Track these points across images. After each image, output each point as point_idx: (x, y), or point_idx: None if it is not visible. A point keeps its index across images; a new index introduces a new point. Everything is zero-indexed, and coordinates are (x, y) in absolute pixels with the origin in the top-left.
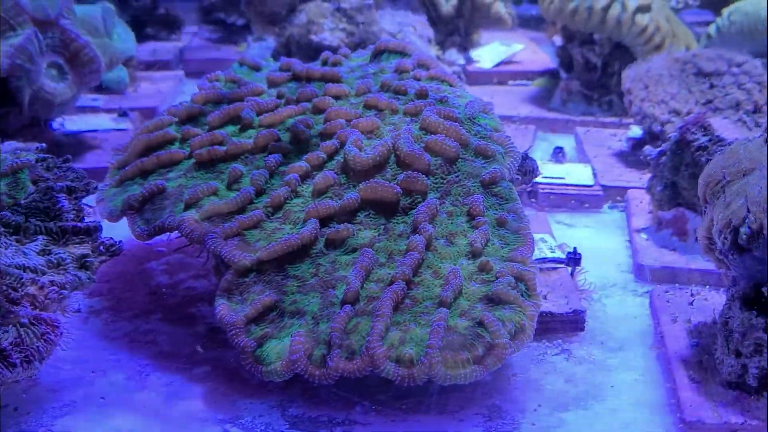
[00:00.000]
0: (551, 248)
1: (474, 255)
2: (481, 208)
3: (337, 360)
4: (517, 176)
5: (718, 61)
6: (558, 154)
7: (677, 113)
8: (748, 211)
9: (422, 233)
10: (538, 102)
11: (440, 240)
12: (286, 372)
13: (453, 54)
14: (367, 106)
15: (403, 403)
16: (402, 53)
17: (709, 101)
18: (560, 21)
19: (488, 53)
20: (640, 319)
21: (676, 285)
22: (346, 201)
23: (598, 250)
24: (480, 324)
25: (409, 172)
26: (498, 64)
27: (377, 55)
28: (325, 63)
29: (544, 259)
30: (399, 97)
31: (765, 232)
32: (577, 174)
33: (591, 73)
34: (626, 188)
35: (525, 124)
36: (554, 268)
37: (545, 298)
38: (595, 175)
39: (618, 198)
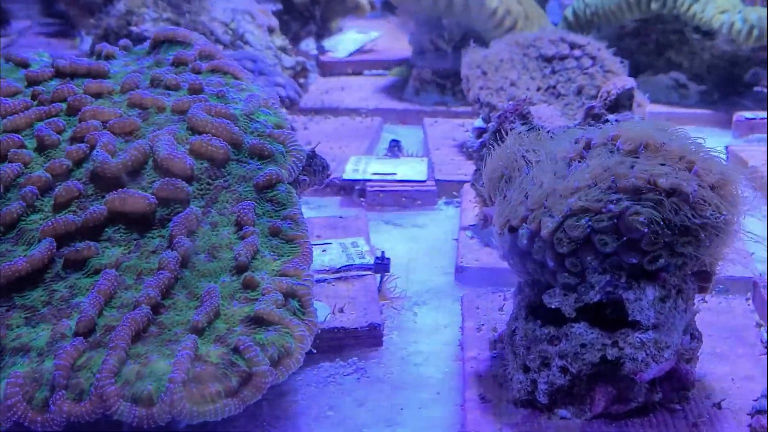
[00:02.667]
0: (361, 254)
1: (239, 270)
2: (251, 217)
3: (61, 402)
4: (305, 177)
5: (560, 44)
6: (394, 148)
7: (524, 100)
8: (529, 209)
9: (176, 249)
10: (391, 92)
11: (201, 255)
12: (1, 420)
13: (310, 44)
14: (131, 105)
15: None
16: (183, 43)
17: (552, 87)
18: (407, 6)
19: (343, 42)
20: (451, 328)
21: (490, 289)
22: (90, 215)
23: (424, 251)
24: (236, 351)
25: (168, 178)
26: (353, 53)
27: (156, 46)
28: (98, 56)
29: (349, 266)
30: (170, 92)
31: (544, 233)
32: (410, 169)
33: (442, 60)
34: (463, 182)
35: (372, 116)
36: (360, 276)
37: (341, 311)
38: (431, 169)
39: (454, 193)
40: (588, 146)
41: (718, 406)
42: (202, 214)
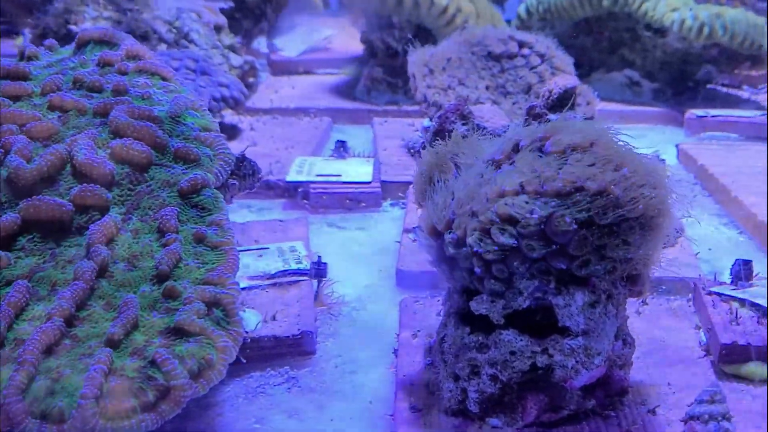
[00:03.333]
0: (299, 258)
1: (160, 279)
2: (173, 223)
3: None
4: (234, 181)
5: (509, 42)
6: (339, 149)
7: (465, 99)
8: (455, 214)
9: (93, 258)
10: (343, 91)
11: (120, 264)
12: None
13: (263, 43)
14: (52, 107)
15: None
16: (110, 43)
17: (501, 85)
18: (356, 4)
19: (295, 41)
20: (388, 334)
21: (430, 293)
22: (2, 224)
23: (366, 254)
24: (153, 364)
25: (86, 184)
26: (305, 52)
27: (82, 46)
28: (21, 57)
29: (285, 272)
30: (93, 95)
31: (469, 239)
32: (355, 170)
33: (393, 59)
34: (409, 183)
35: (321, 116)
36: (296, 282)
37: (274, 318)
38: (377, 170)
39: (400, 195)
40: (517, 148)
41: (653, 412)
42: (123, 221)
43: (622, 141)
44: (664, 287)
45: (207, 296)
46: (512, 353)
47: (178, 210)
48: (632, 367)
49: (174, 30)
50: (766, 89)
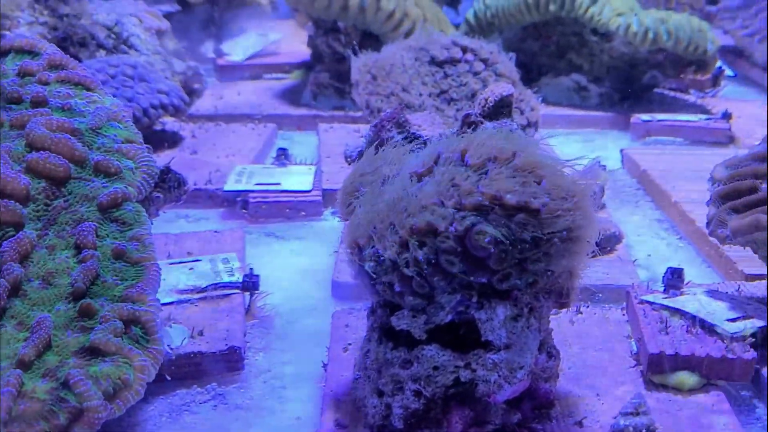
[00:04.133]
0: (231, 271)
1: (75, 297)
2: (91, 239)
3: None
4: (158, 194)
5: (452, 48)
6: (281, 157)
7: (408, 107)
8: (375, 228)
9: (5, 276)
10: (290, 97)
11: (34, 282)
12: None
13: (210, 48)
14: None
15: None
16: (31, 52)
17: (444, 92)
18: (301, 7)
19: (242, 45)
20: (321, 347)
21: (364, 305)
22: None
23: (304, 265)
24: (66, 385)
25: None
26: (251, 57)
27: (2, 55)
28: None
29: (216, 285)
30: (12, 106)
31: (389, 253)
32: (295, 179)
33: (340, 63)
34: None
35: (266, 122)
36: (227, 295)
37: (201, 333)
38: (318, 178)
39: None
40: (438, 161)
41: (580, 424)
42: (38, 238)
43: (546, 151)
44: (600, 295)
45: (125, 314)
46: (435, 368)
47: (97, 225)
48: (562, 378)
49: (113, 35)
50: (712, 93)
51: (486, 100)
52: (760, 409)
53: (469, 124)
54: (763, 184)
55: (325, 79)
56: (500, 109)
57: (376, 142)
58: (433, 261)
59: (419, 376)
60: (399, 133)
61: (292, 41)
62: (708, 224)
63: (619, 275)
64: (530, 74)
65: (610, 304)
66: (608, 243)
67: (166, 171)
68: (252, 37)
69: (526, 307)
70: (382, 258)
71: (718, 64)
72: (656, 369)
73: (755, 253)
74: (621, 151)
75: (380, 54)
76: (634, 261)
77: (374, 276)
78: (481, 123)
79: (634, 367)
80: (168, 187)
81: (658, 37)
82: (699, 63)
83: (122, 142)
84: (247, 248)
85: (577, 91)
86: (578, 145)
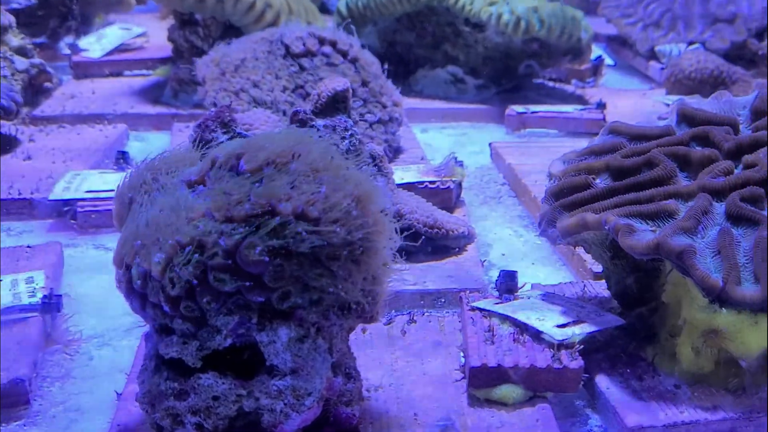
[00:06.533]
0: (33, 292)
1: None
2: None
3: None
4: None
5: (309, 40)
6: (119, 161)
7: (261, 103)
8: (142, 243)
9: None
10: (150, 95)
11: None
12: None
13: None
14: None
15: None
16: None
17: (299, 86)
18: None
19: (100, 40)
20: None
21: None
22: None
23: None
24: None
25: None
26: (111, 52)
27: None
28: None
29: (12, 308)
30: None
31: (154, 271)
32: None
33: (200, 58)
34: None
35: (118, 122)
36: (24, 319)
37: None
38: None
39: None
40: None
41: None
42: None
43: (331, 153)
44: (443, 300)
45: None
46: (215, 398)
47: None
48: (380, 396)
49: None
50: (592, 83)
51: (319, 95)
52: (593, 419)
53: (298, 122)
54: (597, 180)
55: (185, 75)
56: (335, 104)
57: (199, 144)
58: (201, 280)
59: (198, 408)
60: (224, 133)
61: (160, 35)
62: (539, 224)
63: (465, 278)
64: (408, 66)
65: (453, 309)
66: (457, 243)
67: None
68: (113, 31)
69: (312, 327)
70: (149, 277)
71: (599, 53)
72: (478, 383)
73: (588, 252)
74: (490, 144)
75: (230, 47)
76: (484, 262)
77: (144, 296)
78: (312, 120)
79: (460, 380)
80: None
81: (531, 26)
82: (574, 52)
83: None
84: (70, 263)
85: (453, 84)
86: (451, 140)
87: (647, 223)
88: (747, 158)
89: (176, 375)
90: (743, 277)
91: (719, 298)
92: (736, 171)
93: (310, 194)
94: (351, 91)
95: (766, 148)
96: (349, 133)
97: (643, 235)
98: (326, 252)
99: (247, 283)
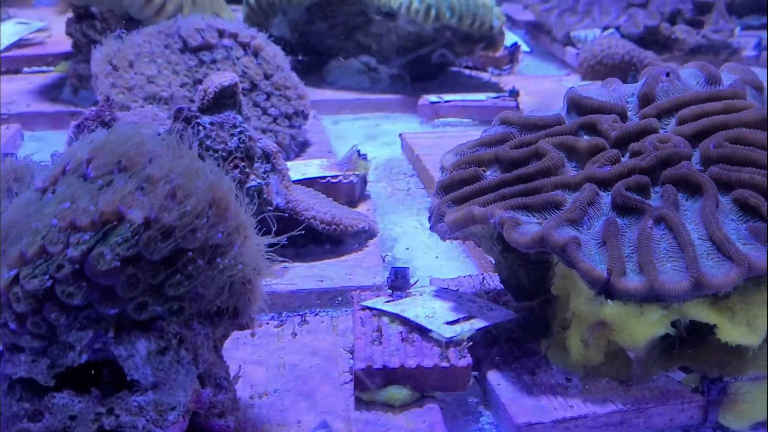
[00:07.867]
0: None
1: None
2: None
3: None
4: None
5: (208, 32)
6: None
7: (157, 99)
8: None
9: None
10: (51, 92)
11: None
12: None
13: None
14: None
15: None
16: None
17: (199, 81)
18: None
19: None
20: None
21: None
22: None
23: None
24: None
25: None
26: (8, 48)
27: None
28: None
29: None
30: None
31: (2, 287)
32: None
33: None
34: None
35: (11, 123)
36: None
37: None
38: None
39: None
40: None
41: None
42: None
43: (185, 155)
44: (340, 299)
45: None
46: (72, 418)
47: None
48: (263, 404)
49: None
50: (508, 70)
51: (205, 91)
52: (485, 417)
53: (184, 119)
54: (488, 172)
55: (85, 70)
56: (222, 100)
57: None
58: (47, 293)
59: (55, 429)
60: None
61: (63, 30)
62: (429, 218)
63: (362, 275)
64: (321, 57)
65: (351, 309)
66: (357, 239)
67: None
68: (10, 27)
69: (174, 339)
70: (29, 297)
71: (515, 39)
72: (364, 386)
73: (479, 246)
74: (400, 135)
75: (124, 42)
76: (385, 257)
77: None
78: (197, 118)
79: (349, 383)
80: None
81: (441, 14)
82: (487, 40)
83: None
84: None
85: (367, 74)
86: (363, 131)
87: (534, 216)
88: (633, 146)
89: (30, 395)
90: (628, 268)
91: (605, 289)
92: (622, 159)
93: (163, 199)
94: (239, 85)
95: (651, 135)
96: (239, 129)
97: (528, 228)
98: (183, 259)
99: (97, 295)
